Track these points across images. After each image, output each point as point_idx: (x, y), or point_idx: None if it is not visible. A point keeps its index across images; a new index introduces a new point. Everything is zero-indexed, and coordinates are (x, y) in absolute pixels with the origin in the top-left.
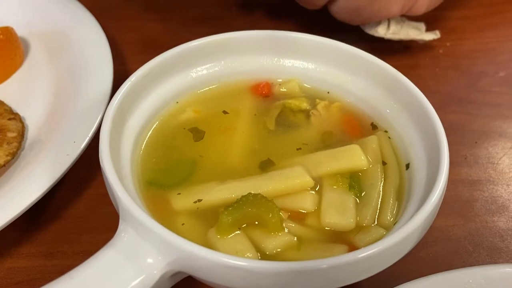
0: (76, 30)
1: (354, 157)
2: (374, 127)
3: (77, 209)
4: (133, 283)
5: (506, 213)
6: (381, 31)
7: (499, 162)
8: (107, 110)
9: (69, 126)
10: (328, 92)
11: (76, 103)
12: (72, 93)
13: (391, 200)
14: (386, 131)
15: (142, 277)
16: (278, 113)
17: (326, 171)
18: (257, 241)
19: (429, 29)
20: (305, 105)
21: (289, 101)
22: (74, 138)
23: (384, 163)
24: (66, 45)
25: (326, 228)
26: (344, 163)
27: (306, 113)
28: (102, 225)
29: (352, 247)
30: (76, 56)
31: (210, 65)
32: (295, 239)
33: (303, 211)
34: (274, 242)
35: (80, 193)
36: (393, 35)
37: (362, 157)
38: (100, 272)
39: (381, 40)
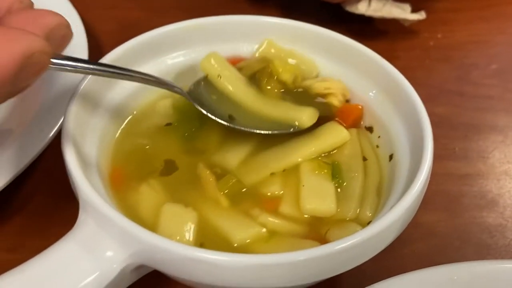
0: None
1: (335, 131)
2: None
3: (44, 201)
4: (90, 278)
5: (495, 208)
6: (361, 8)
7: (490, 156)
8: (73, 95)
9: (37, 115)
10: None
11: (46, 92)
12: (43, 82)
13: (370, 196)
14: (368, 128)
15: (100, 271)
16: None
17: (310, 151)
18: (225, 232)
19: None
20: (287, 76)
21: (276, 61)
22: (41, 127)
23: (364, 159)
24: None
25: (305, 215)
26: (327, 139)
27: (283, 88)
28: (71, 218)
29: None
30: None
31: (186, 51)
32: (264, 230)
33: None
34: (242, 234)
35: (48, 185)
36: (374, 12)
37: (342, 129)
38: (54, 265)
39: (368, 29)
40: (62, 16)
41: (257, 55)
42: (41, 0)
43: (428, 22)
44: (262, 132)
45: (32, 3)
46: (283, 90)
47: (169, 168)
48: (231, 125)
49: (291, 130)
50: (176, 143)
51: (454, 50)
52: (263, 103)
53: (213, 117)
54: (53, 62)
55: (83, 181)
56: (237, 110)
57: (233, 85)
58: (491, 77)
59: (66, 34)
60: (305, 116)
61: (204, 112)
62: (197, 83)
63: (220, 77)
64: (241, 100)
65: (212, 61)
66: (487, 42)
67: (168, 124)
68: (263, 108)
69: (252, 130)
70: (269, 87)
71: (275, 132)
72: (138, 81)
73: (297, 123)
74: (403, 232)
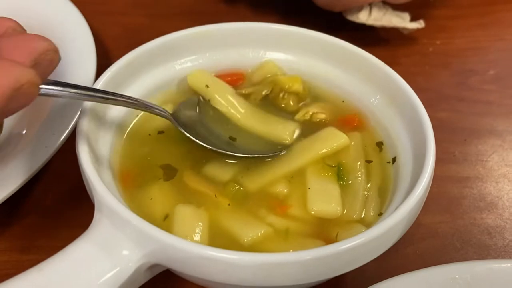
0: (61, 23)
1: (334, 136)
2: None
3: (55, 203)
4: (107, 276)
5: (494, 210)
6: (362, 17)
7: (488, 159)
8: (85, 101)
9: (49, 118)
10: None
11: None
12: None
13: (373, 197)
14: (371, 132)
15: (116, 270)
16: (266, 93)
17: (312, 155)
18: (234, 232)
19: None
20: (298, 86)
21: (281, 77)
22: (53, 130)
23: (367, 161)
24: (50, 38)
25: (312, 213)
26: (327, 144)
27: (298, 99)
28: (82, 220)
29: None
30: (60, 50)
31: (194, 57)
32: (271, 230)
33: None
34: (250, 233)
35: (59, 187)
36: (375, 21)
37: (342, 134)
38: (72, 264)
39: (369, 36)
40: (51, 41)
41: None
42: (51, 9)
43: (427, 29)
44: (245, 156)
45: (24, 30)
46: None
47: (168, 173)
48: (214, 149)
49: (275, 153)
50: (172, 150)
51: (453, 56)
52: (251, 116)
53: (195, 140)
54: (41, 90)
55: (98, 182)
56: (226, 126)
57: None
58: (489, 83)
59: (53, 59)
60: (289, 136)
61: (187, 134)
62: (184, 104)
63: (208, 87)
64: (230, 115)
65: (199, 76)
66: (486, 48)
67: (160, 133)
68: (251, 122)
69: (235, 154)
70: (285, 103)
71: (259, 155)
72: (124, 105)
73: (283, 141)
74: (406, 232)
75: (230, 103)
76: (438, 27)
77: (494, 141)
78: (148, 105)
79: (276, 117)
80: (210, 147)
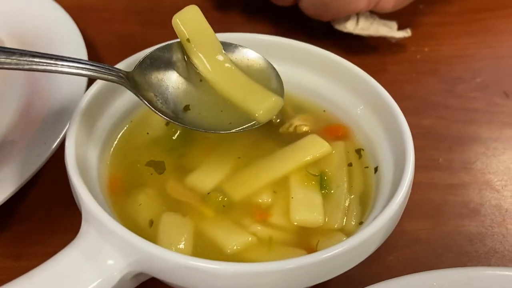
0: (53, 31)
1: (316, 144)
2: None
3: (47, 210)
4: (92, 285)
5: (477, 217)
6: (349, 27)
7: (472, 166)
8: (75, 111)
9: (41, 127)
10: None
11: (49, 105)
12: (45, 95)
13: (354, 205)
14: (354, 142)
15: (101, 279)
16: None
17: (295, 164)
18: (218, 241)
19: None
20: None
21: None
22: (45, 139)
23: (349, 171)
24: (42, 46)
25: (295, 223)
26: (310, 152)
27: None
28: (73, 226)
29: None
30: None
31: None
32: (254, 238)
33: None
34: (233, 242)
35: (51, 194)
36: (362, 30)
37: (324, 142)
38: (59, 273)
39: (357, 44)
40: None
41: None
42: (43, 17)
43: (415, 37)
44: (214, 132)
45: None
46: None
47: (157, 168)
48: (178, 123)
49: (248, 126)
50: (158, 147)
51: (440, 64)
52: (231, 80)
53: (150, 107)
54: None
55: (85, 193)
56: (197, 91)
57: (204, 53)
58: (475, 91)
59: None
60: (263, 110)
61: (146, 103)
62: (158, 55)
63: (189, 41)
64: (206, 75)
65: (186, 21)
66: (472, 56)
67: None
68: (227, 88)
69: (200, 130)
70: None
71: (230, 131)
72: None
73: (255, 115)
74: (389, 239)
75: (210, 62)
76: (426, 34)
77: (478, 149)
78: (95, 68)
79: (259, 87)
80: (166, 118)
